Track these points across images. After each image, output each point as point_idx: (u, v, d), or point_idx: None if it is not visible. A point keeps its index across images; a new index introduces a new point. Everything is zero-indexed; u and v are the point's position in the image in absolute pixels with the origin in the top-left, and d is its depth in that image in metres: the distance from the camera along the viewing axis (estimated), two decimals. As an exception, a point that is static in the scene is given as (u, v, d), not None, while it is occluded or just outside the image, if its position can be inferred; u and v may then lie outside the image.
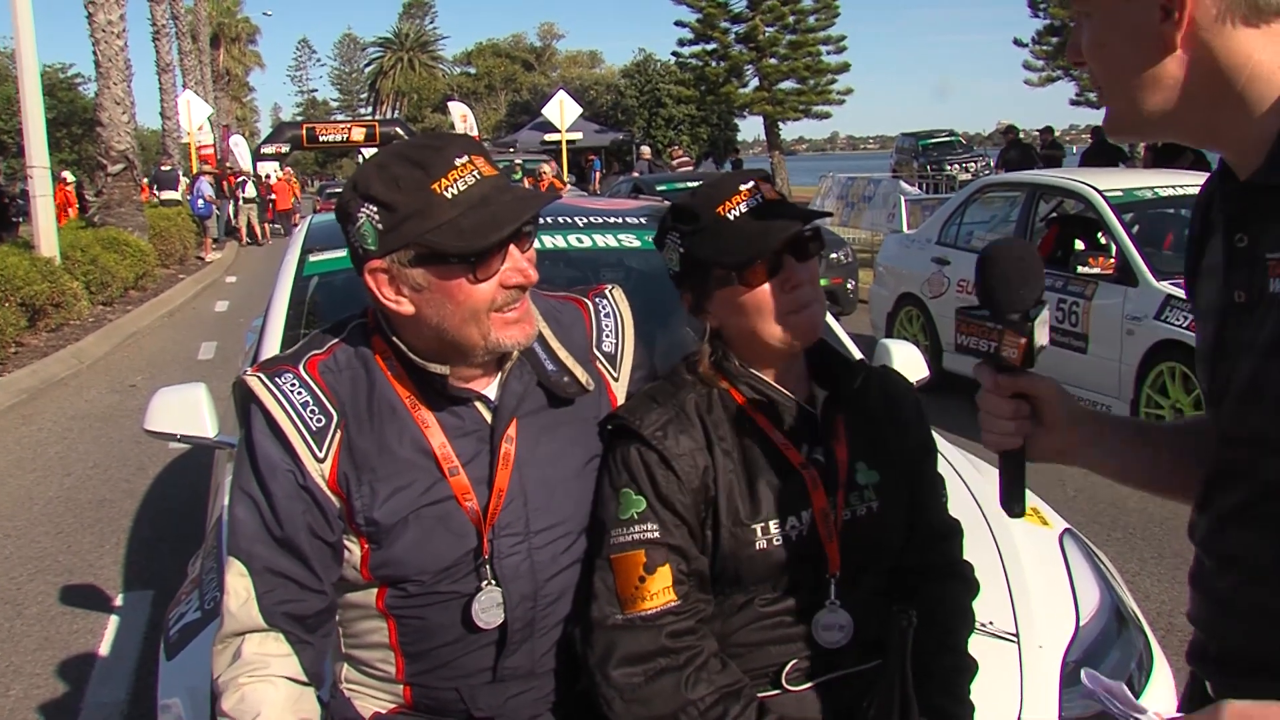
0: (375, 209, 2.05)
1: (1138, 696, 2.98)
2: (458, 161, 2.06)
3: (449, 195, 2.03)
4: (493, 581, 2.20)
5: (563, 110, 33.70)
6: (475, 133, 51.52)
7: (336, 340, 2.25)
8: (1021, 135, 26.88)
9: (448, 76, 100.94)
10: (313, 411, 2.15)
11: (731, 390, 2.29)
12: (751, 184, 2.22)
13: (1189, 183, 10.35)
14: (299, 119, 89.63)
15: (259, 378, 2.18)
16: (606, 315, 2.48)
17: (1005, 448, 1.85)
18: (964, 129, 58.52)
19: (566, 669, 2.29)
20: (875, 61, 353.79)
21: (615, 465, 2.25)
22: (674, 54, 48.76)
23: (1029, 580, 3.19)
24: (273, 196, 42.08)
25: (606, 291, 2.54)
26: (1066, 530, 3.62)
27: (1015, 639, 2.95)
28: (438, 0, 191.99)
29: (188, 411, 4.17)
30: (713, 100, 49.14)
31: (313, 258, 4.68)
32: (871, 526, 2.31)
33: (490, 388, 2.25)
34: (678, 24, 45.77)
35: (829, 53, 45.45)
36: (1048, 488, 5.74)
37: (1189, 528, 1.78)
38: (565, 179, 32.58)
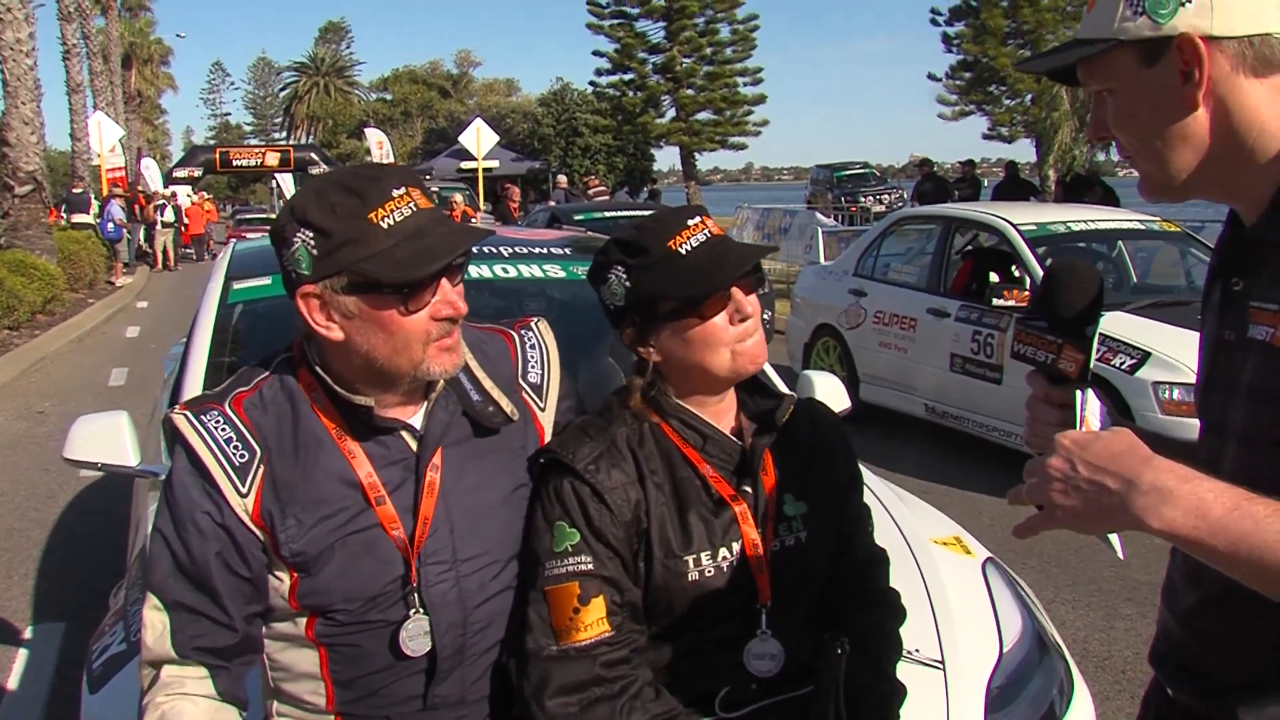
0: (311, 234, 2.06)
1: (1059, 720, 3.05)
2: (395, 192, 2.08)
3: (385, 225, 2.05)
4: (420, 609, 2.20)
5: (479, 138, 33.57)
6: (391, 159, 51.29)
7: (263, 376, 2.26)
8: (936, 168, 27.27)
9: (364, 102, 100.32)
10: (236, 447, 2.16)
11: (662, 424, 2.33)
12: (698, 219, 2.27)
13: (1100, 218, 10.63)
14: (212, 143, 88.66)
15: (185, 415, 2.19)
16: (532, 347, 2.51)
17: (1045, 451, 1.86)
18: (877, 161, 59.24)
19: (498, 697, 2.30)
20: (790, 93, 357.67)
21: (548, 499, 2.27)
22: (591, 83, 48.97)
23: (953, 608, 3.24)
24: (186, 221, 41.56)
25: (532, 324, 2.57)
26: (989, 559, 3.68)
27: (941, 666, 2.99)
28: (355, 25, 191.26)
29: (109, 440, 4.11)
30: (630, 130, 49.31)
31: (237, 285, 4.64)
32: (800, 557, 2.35)
33: (416, 417, 2.27)
34: (595, 54, 46.01)
35: (746, 84, 45.92)
36: (965, 517, 5.82)
37: (1172, 546, 1.86)
38: (481, 207, 32.53)
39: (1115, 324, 8.44)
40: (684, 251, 2.23)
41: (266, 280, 4.64)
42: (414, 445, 2.24)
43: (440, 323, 2.14)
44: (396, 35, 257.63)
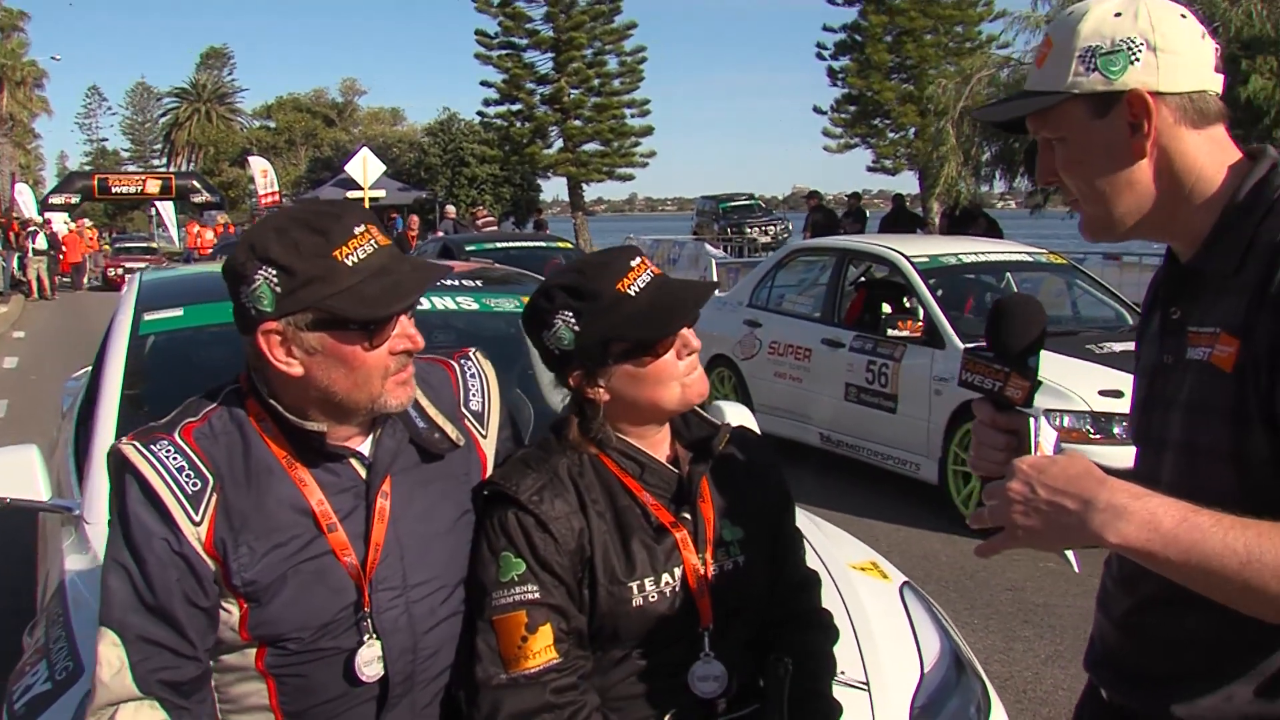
0: (274, 272, 2.08)
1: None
2: (356, 230, 2.12)
3: (349, 262, 2.10)
4: (373, 635, 2.22)
5: (365, 167, 33.30)
6: (275, 188, 50.64)
7: (212, 406, 2.27)
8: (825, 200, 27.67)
9: (247, 130, 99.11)
10: (188, 476, 2.16)
11: (600, 455, 2.38)
12: (639, 259, 2.35)
13: (989, 249, 10.94)
14: (88, 168, 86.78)
15: (134, 446, 2.18)
16: (472, 376, 2.56)
17: (991, 474, 2.00)
18: (760, 192, 59.90)
19: None
20: (673, 124, 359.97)
21: (493, 530, 2.31)
22: (479, 113, 48.77)
23: (875, 631, 3.32)
24: (63, 249, 40.66)
25: (470, 354, 2.63)
26: (905, 583, 3.77)
27: (866, 687, 3.06)
28: (237, 51, 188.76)
29: (19, 474, 4.02)
30: (517, 160, 49.22)
31: (148, 316, 4.60)
32: (738, 580, 2.42)
33: (364, 445, 2.30)
34: (483, 84, 45.88)
35: (633, 115, 46.07)
36: (864, 543, 5.92)
37: (1108, 557, 2.10)
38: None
39: (1006, 354, 8.63)
40: (633, 293, 2.29)
41: (179, 312, 4.62)
42: (363, 472, 2.27)
43: (397, 356, 2.19)
44: (280, 62, 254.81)
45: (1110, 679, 2.15)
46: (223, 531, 2.15)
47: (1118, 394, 7.69)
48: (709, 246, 29.04)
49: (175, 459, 2.16)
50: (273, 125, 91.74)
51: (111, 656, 2.11)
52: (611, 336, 2.29)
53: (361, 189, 33.96)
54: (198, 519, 2.14)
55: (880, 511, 8.95)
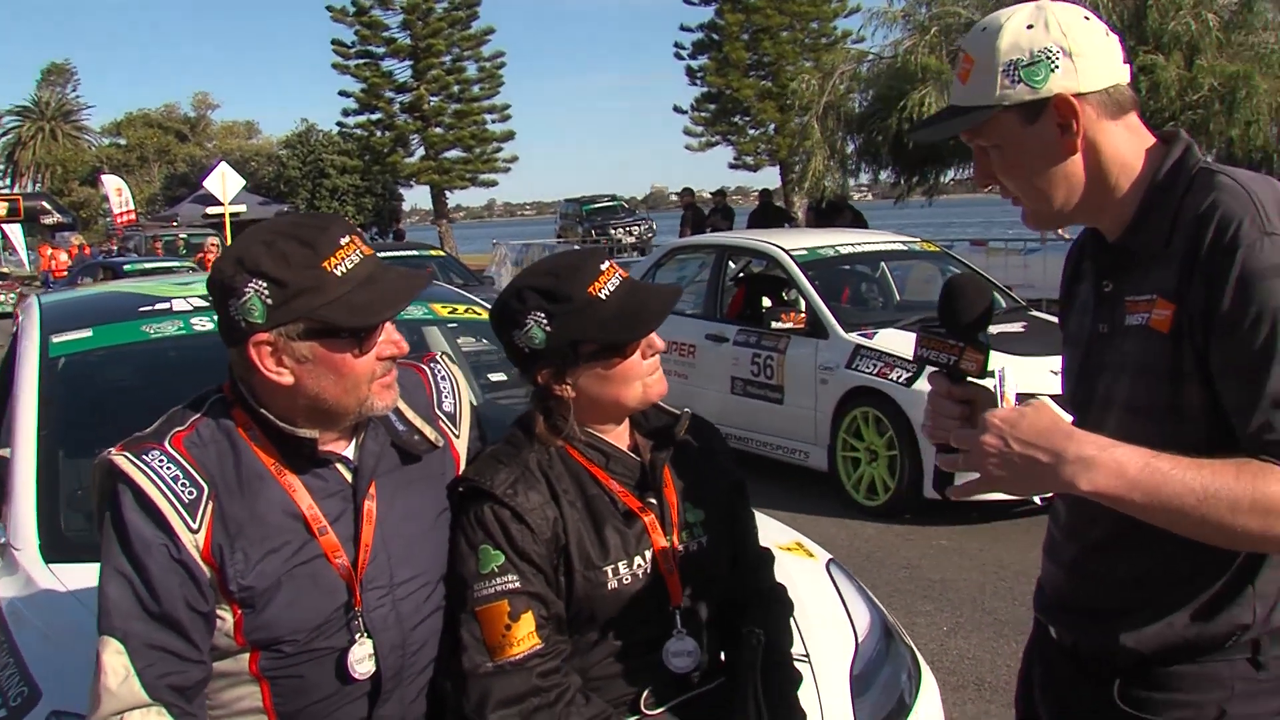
0: (265, 284, 2.15)
1: (909, 706, 3.30)
2: (342, 241, 2.21)
3: (339, 273, 2.18)
4: (365, 634, 2.30)
5: (224, 182, 32.68)
6: (131, 206, 49.55)
7: (198, 415, 2.32)
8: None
9: (96, 148, 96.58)
10: (184, 485, 2.20)
11: (567, 447, 2.49)
12: (608, 264, 2.46)
13: (865, 240, 11.21)
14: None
15: (125, 456, 2.22)
16: (443, 378, 2.66)
17: (945, 441, 2.21)
18: (620, 192, 60.13)
19: (434, 715, 2.42)
20: (531, 128, 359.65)
21: (470, 524, 2.41)
22: (338, 124, 48.36)
23: (808, 606, 3.45)
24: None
25: (438, 357, 2.73)
26: (830, 560, 3.93)
27: (807, 659, 3.20)
28: (81, 67, 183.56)
29: None
30: (379, 170, 48.93)
31: (56, 339, 4.55)
32: (703, 559, 2.56)
33: (349, 449, 2.38)
34: (342, 94, 45.44)
35: (494, 121, 46.06)
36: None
37: (1052, 510, 2.36)
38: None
39: (888, 340, 8.92)
40: (604, 296, 2.41)
41: (88, 333, 4.60)
42: (349, 476, 2.35)
43: (384, 361, 2.28)
44: (127, 78, 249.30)
45: (1060, 619, 2.35)
46: (219, 538, 2.20)
47: (989, 373, 7.94)
48: (576, 248, 29.07)
49: (169, 468, 2.21)
50: (123, 142, 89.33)
51: (116, 664, 2.14)
52: (582, 338, 2.40)
53: (221, 204, 33.36)
54: (195, 526, 2.19)
55: (773, 500, 9.05)
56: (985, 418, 2.01)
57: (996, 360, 2.24)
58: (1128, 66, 2.16)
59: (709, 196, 26.01)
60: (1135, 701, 2.16)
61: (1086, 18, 2.11)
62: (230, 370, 2.32)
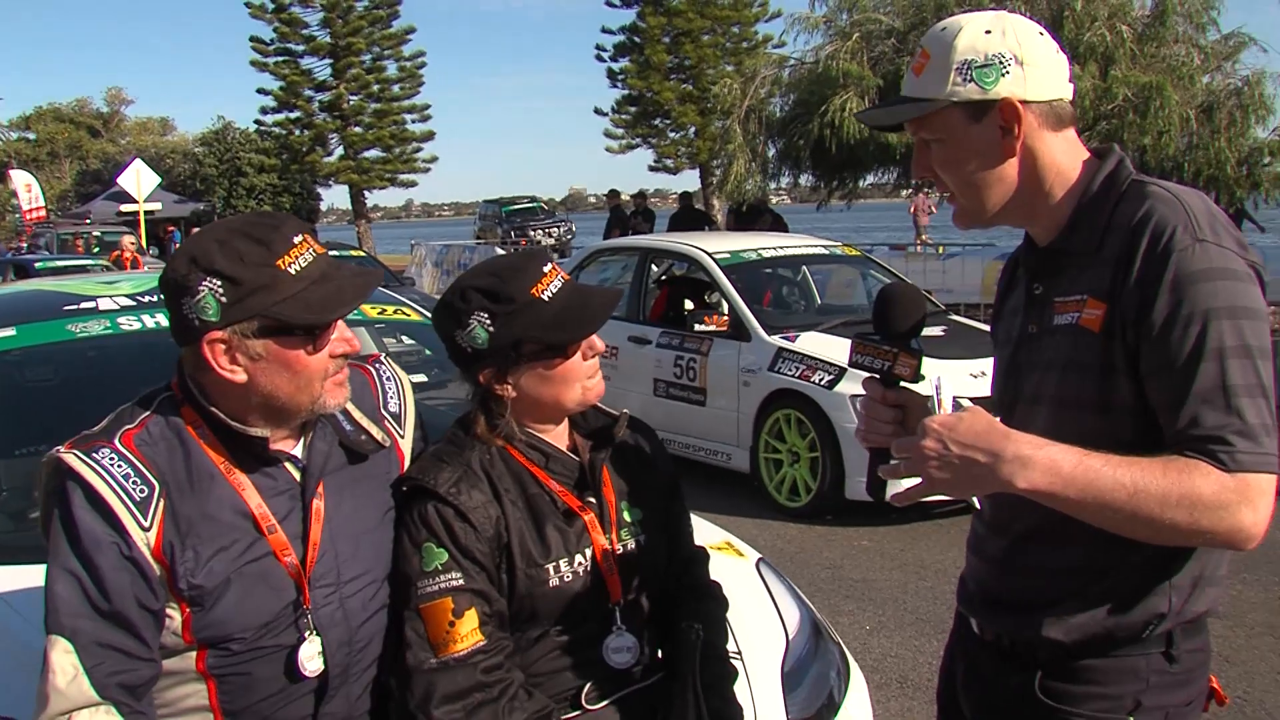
0: (219, 282, 2.16)
1: (839, 703, 3.36)
2: (296, 239, 2.23)
3: (293, 271, 2.21)
4: (313, 631, 2.32)
5: (139, 179, 32.23)
6: (41, 203, 48.66)
7: (147, 413, 2.32)
8: (595, 199, 27.80)
9: (3, 142, 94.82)
10: (134, 483, 2.20)
11: (508, 447, 2.53)
12: (550, 266, 2.52)
13: (787, 244, 11.31)
14: None
15: (76, 454, 2.21)
16: (388, 379, 2.69)
17: (878, 445, 2.35)
18: (538, 194, 59.95)
19: (378, 711, 2.44)
20: (449, 128, 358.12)
21: (414, 522, 2.44)
22: (256, 122, 47.80)
23: (740, 604, 3.50)
24: None
25: (383, 359, 2.76)
26: (760, 559, 3.98)
27: (740, 656, 3.25)
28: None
29: None
30: (297, 169, 48.45)
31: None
32: (641, 557, 2.61)
33: (297, 448, 2.40)
34: (260, 91, 44.94)
35: (414, 121, 45.81)
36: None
37: (979, 508, 2.46)
38: (146, 250, 31.33)
39: (810, 343, 9.01)
40: (547, 298, 2.46)
41: (11, 331, 4.54)
42: (297, 475, 2.37)
43: (336, 359, 2.31)
44: (36, 71, 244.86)
45: (984, 613, 2.43)
46: (170, 536, 2.21)
47: (920, 377, 8.04)
48: (499, 250, 29.08)
49: (120, 466, 2.21)
50: (32, 137, 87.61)
51: (65, 663, 2.13)
52: (525, 338, 2.45)
53: (136, 202, 32.93)
54: (147, 524, 2.19)
55: (695, 502, 9.01)
56: (924, 423, 2.09)
57: (926, 366, 2.32)
58: (1072, 85, 2.27)
59: (628, 199, 26.00)
60: (1055, 694, 2.26)
61: (1041, 33, 2.23)
62: (179, 368, 2.33)
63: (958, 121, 2.22)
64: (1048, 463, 2.01)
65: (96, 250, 30.23)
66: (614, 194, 25.30)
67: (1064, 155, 2.25)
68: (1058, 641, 2.23)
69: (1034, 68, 2.18)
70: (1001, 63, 2.17)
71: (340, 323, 2.31)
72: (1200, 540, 2.06)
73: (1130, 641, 2.20)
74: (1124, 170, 2.24)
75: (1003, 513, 2.35)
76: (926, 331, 9.65)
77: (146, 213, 33.35)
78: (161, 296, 2.29)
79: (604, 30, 40.66)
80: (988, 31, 2.20)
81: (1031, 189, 2.25)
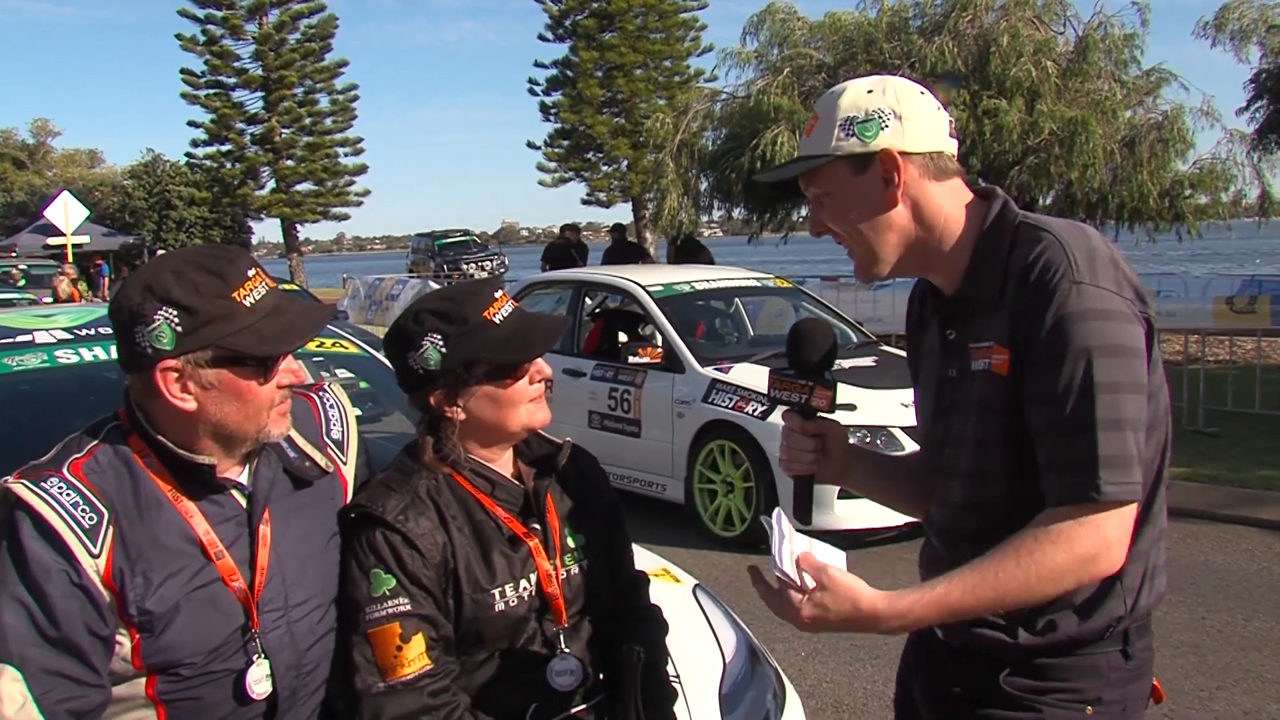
0: (175, 312, 2.22)
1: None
2: (250, 272, 2.29)
3: (248, 303, 2.27)
4: (262, 655, 2.36)
5: (67, 212, 31.87)
6: (-34, 235, 48.03)
7: (95, 442, 2.35)
8: (528, 233, 27.74)
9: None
10: (83, 510, 2.24)
11: (454, 475, 2.60)
12: (501, 292, 2.61)
13: (719, 276, 11.44)
14: None
15: (24, 484, 2.24)
16: (331, 407, 2.74)
17: (801, 474, 2.55)
18: (470, 227, 59.95)
19: None
20: (381, 162, 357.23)
21: (362, 549, 2.50)
22: (187, 155, 47.60)
23: (678, 629, 3.56)
24: None
25: (326, 386, 2.81)
26: (696, 585, 4.06)
27: (678, 679, 3.31)
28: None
29: None
30: (228, 202, 48.22)
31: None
32: (584, 582, 2.69)
33: (243, 475, 2.44)
34: (191, 124, 44.80)
35: (346, 154, 45.81)
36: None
37: (926, 518, 2.61)
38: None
39: (743, 375, 9.12)
40: (498, 321, 2.54)
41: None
42: (243, 501, 2.42)
43: (283, 389, 2.37)
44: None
45: (950, 623, 2.49)
46: (120, 562, 2.24)
47: (850, 406, 8.11)
48: (432, 284, 29.06)
49: (68, 494, 2.24)
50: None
51: (13, 691, 2.14)
52: (477, 358, 2.52)
53: (64, 235, 32.54)
54: (96, 551, 2.22)
55: (632, 532, 8.95)
56: (802, 607, 2.18)
57: (847, 394, 2.43)
58: (955, 140, 2.41)
59: (556, 231, 25.51)
60: (1021, 689, 2.40)
61: (922, 93, 2.39)
62: (126, 397, 2.36)
63: (843, 174, 2.36)
64: (925, 609, 2.19)
65: (23, 284, 29.81)
66: (571, 228, 23.85)
67: (949, 203, 2.38)
68: (1026, 648, 2.36)
69: (912, 121, 2.33)
70: (880, 117, 2.32)
71: (288, 354, 2.37)
72: (1079, 586, 2.25)
73: (1092, 641, 2.35)
74: (1009, 212, 2.38)
75: (955, 529, 2.49)
76: (858, 362, 9.78)
77: (75, 246, 32.92)
78: (105, 329, 2.33)
79: (537, 64, 41.13)
80: (869, 91, 2.36)
81: (921, 238, 2.38)
